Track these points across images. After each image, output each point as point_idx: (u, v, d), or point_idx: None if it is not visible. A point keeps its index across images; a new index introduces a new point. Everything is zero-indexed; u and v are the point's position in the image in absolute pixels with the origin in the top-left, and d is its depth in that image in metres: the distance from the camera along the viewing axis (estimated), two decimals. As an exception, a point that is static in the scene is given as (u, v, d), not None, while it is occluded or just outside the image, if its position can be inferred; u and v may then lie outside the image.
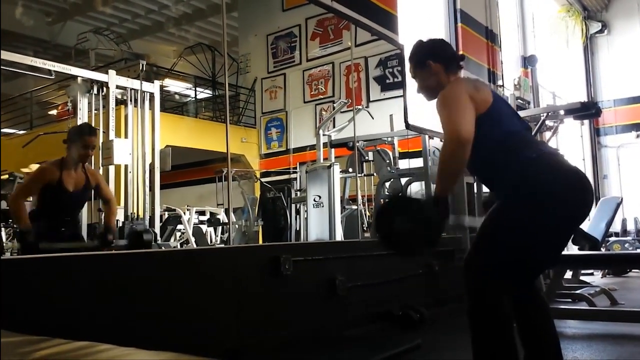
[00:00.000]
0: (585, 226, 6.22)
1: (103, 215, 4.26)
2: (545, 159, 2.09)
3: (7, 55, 5.55)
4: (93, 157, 4.72)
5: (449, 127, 2.02)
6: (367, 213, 7.49)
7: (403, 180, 6.23)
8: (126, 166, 6.01)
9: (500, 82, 7.83)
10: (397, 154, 6.50)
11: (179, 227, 8.13)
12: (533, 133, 5.86)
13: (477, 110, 2.07)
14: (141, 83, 6.22)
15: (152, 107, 6.35)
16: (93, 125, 6.03)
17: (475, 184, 5.50)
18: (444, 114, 2.09)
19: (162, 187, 6.48)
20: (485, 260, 2.09)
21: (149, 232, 4.93)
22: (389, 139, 6.56)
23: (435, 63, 2.29)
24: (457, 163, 2.00)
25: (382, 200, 6.50)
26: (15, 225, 6.17)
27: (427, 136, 5.91)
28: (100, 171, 5.72)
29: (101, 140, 5.98)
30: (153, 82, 6.59)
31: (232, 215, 7.45)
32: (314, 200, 5.77)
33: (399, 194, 2.01)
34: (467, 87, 2.14)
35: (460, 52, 6.94)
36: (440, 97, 2.16)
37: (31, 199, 4.77)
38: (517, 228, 2.05)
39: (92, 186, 3.95)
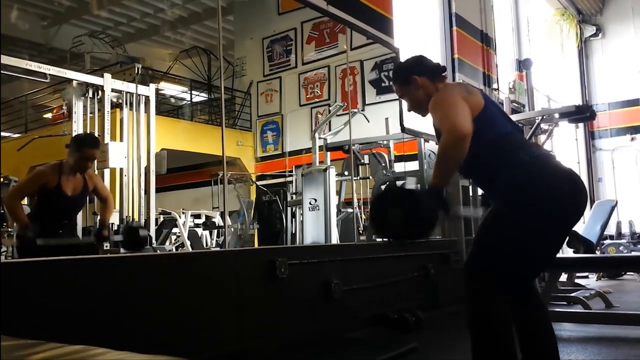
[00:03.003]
0: (580, 229, 6.23)
1: (99, 211, 4.24)
2: (538, 162, 2.11)
3: (2, 59, 5.53)
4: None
5: (448, 122, 2.00)
6: (363, 216, 7.49)
7: (399, 184, 6.24)
8: (121, 169, 6.00)
9: (495, 86, 7.85)
10: (392, 157, 6.52)
11: (175, 230, 8.11)
12: (528, 136, 5.90)
13: (471, 112, 2.08)
14: (137, 86, 6.21)
15: (147, 111, 6.34)
16: (88, 128, 6.04)
17: (470, 187, 5.51)
18: (439, 113, 2.09)
19: (157, 191, 6.46)
20: (483, 265, 2.11)
21: (145, 228, 4.90)
22: (385, 142, 6.57)
23: (421, 77, 2.30)
24: (456, 154, 1.97)
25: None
26: (8, 227, 6.16)
27: (422, 139, 5.93)
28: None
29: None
30: (148, 86, 6.59)
31: (227, 218, 7.45)
32: (310, 203, 5.77)
33: (394, 185, 2.02)
34: (459, 90, 2.16)
35: (456, 56, 6.96)
36: (433, 99, 2.17)
37: (27, 201, 4.76)
38: (512, 232, 2.06)
39: (90, 190, 3.96)
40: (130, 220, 5.89)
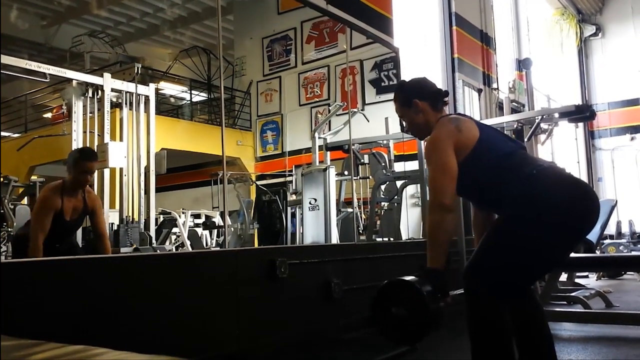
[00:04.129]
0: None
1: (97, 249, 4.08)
2: (545, 174, 2.10)
3: (2, 59, 5.54)
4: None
5: (434, 192, 2.12)
6: (363, 216, 7.50)
7: (398, 183, 6.24)
8: (121, 169, 6.00)
9: (495, 85, 7.85)
10: (392, 157, 6.52)
11: (174, 230, 8.10)
12: (528, 136, 5.90)
13: (464, 150, 2.13)
14: (136, 86, 6.21)
15: (147, 110, 6.34)
16: (88, 128, 6.04)
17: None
18: (430, 169, 2.19)
19: (157, 190, 6.47)
20: (483, 271, 2.11)
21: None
22: (385, 141, 6.57)
23: (422, 101, 2.31)
24: (444, 231, 2.07)
25: (377, 203, 6.52)
26: (8, 227, 6.16)
27: (422, 139, 5.91)
28: (96, 175, 5.71)
29: (96, 143, 5.98)
30: (148, 85, 6.60)
31: (227, 218, 7.45)
32: (310, 203, 5.76)
33: (394, 280, 2.01)
34: (451, 132, 2.16)
35: (455, 55, 6.96)
36: (427, 145, 2.22)
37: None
38: (520, 242, 2.06)
39: (90, 211, 3.92)
40: (130, 220, 5.89)
